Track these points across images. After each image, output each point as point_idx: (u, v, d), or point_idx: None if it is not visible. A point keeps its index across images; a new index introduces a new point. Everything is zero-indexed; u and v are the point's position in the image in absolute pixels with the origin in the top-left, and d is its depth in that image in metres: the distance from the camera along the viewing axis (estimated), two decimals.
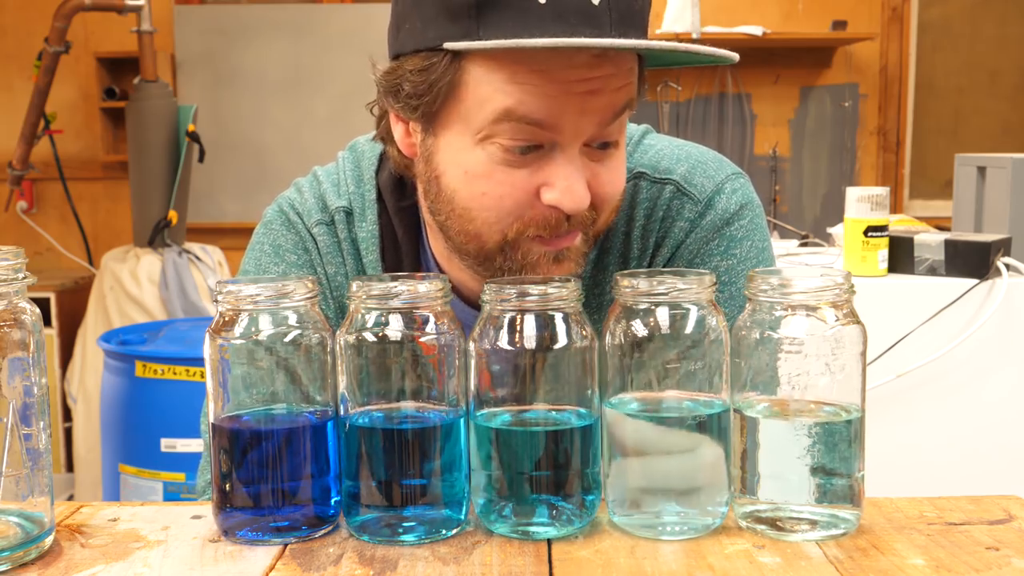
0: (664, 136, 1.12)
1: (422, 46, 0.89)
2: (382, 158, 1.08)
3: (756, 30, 4.04)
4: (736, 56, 0.88)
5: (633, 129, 1.10)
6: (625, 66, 0.89)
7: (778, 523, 0.75)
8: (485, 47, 0.84)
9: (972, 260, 2.02)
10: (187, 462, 2.50)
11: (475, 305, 0.97)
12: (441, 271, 1.06)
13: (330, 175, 1.10)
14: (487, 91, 0.87)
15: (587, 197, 0.90)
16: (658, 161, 1.06)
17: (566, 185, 0.88)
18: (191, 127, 3.45)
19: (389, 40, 0.95)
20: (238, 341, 0.75)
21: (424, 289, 0.75)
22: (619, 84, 0.88)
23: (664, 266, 1.04)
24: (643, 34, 0.89)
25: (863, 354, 0.76)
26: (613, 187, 0.94)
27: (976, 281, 1.98)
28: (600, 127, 0.89)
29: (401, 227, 1.06)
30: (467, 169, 0.90)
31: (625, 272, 0.78)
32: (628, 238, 1.04)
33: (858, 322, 0.75)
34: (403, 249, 1.06)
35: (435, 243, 1.05)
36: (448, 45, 0.86)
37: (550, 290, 0.74)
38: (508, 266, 0.94)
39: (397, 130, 0.98)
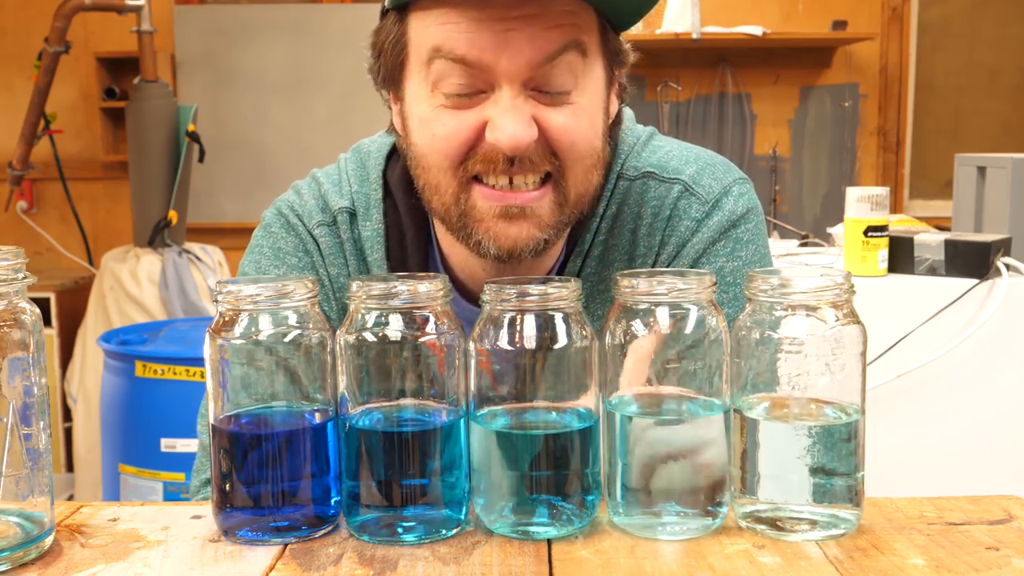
0: (672, 139, 1.13)
1: (381, 13, 0.97)
2: (391, 157, 1.09)
3: (756, 30, 4.04)
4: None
5: (640, 130, 1.11)
6: (558, 7, 0.89)
7: (778, 523, 0.75)
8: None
9: (972, 260, 2.01)
10: (187, 462, 2.50)
11: (478, 302, 0.97)
12: (447, 265, 1.07)
13: (330, 176, 1.11)
14: (422, 35, 0.92)
15: (527, 135, 0.90)
16: (667, 162, 1.07)
17: (501, 124, 0.90)
18: (191, 127, 3.45)
19: None
20: (238, 341, 0.75)
21: (424, 289, 0.75)
22: (549, 23, 0.89)
23: (669, 265, 1.04)
24: None
25: (863, 354, 0.76)
26: (571, 133, 0.93)
27: (976, 281, 1.98)
28: (531, 66, 0.89)
29: (412, 226, 1.06)
30: (421, 118, 0.94)
31: (625, 272, 0.78)
32: (635, 236, 1.05)
33: (858, 322, 0.75)
34: (410, 248, 1.06)
35: (443, 239, 1.06)
36: (386, 4, 0.94)
37: (550, 290, 0.74)
38: (462, 222, 0.95)
39: (393, 114, 1.02)
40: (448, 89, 0.91)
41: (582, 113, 0.94)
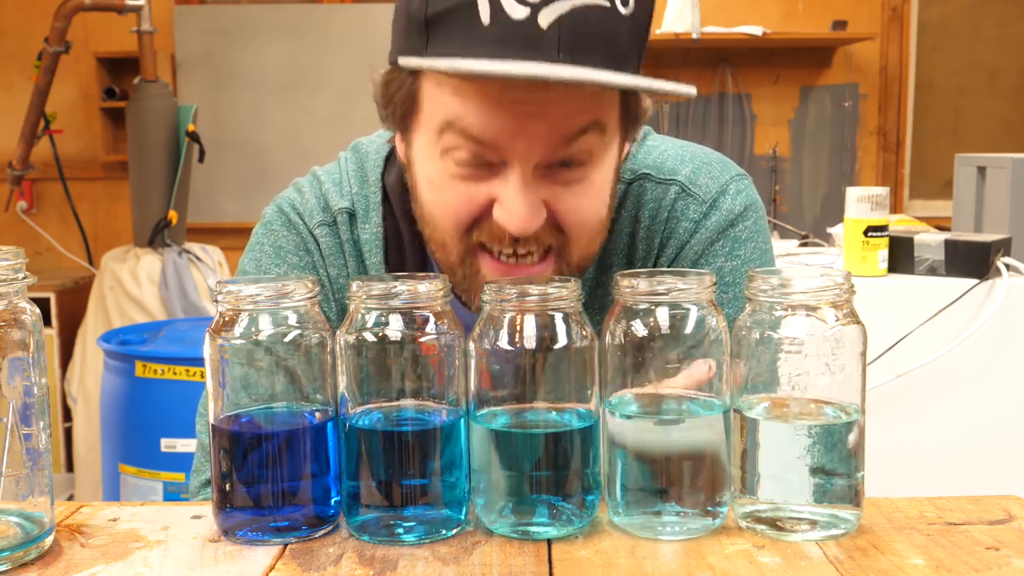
0: (666, 137, 1.11)
1: (391, 60, 0.92)
2: (388, 160, 1.08)
3: (756, 30, 4.04)
4: (694, 90, 0.85)
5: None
6: (583, 89, 0.86)
7: (778, 523, 0.75)
8: (422, 65, 0.86)
9: (972, 260, 2.01)
10: (187, 462, 2.49)
11: (473, 308, 0.97)
12: (442, 271, 1.06)
13: (331, 175, 1.10)
14: (435, 104, 0.89)
15: (534, 220, 0.88)
16: (662, 162, 1.06)
17: (509, 207, 0.88)
18: (191, 127, 3.45)
19: None
20: (238, 341, 0.75)
21: (424, 289, 0.75)
22: (573, 108, 0.86)
23: (668, 267, 1.04)
24: (605, 59, 0.83)
25: (863, 354, 0.76)
26: (580, 213, 0.91)
27: (976, 281, 1.98)
28: (548, 150, 0.87)
29: (408, 230, 1.06)
30: (429, 178, 0.92)
31: (625, 272, 0.78)
32: (633, 239, 1.04)
33: (858, 322, 0.75)
34: (408, 252, 1.06)
35: None
36: (401, 60, 0.89)
37: (550, 290, 0.74)
38: (465, 286, 0.95)
39: (397, 142, 1.00)
40: (458, 159, 0.89)
41: (594, 190, 0.92)
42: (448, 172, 0.90)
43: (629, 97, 0.92)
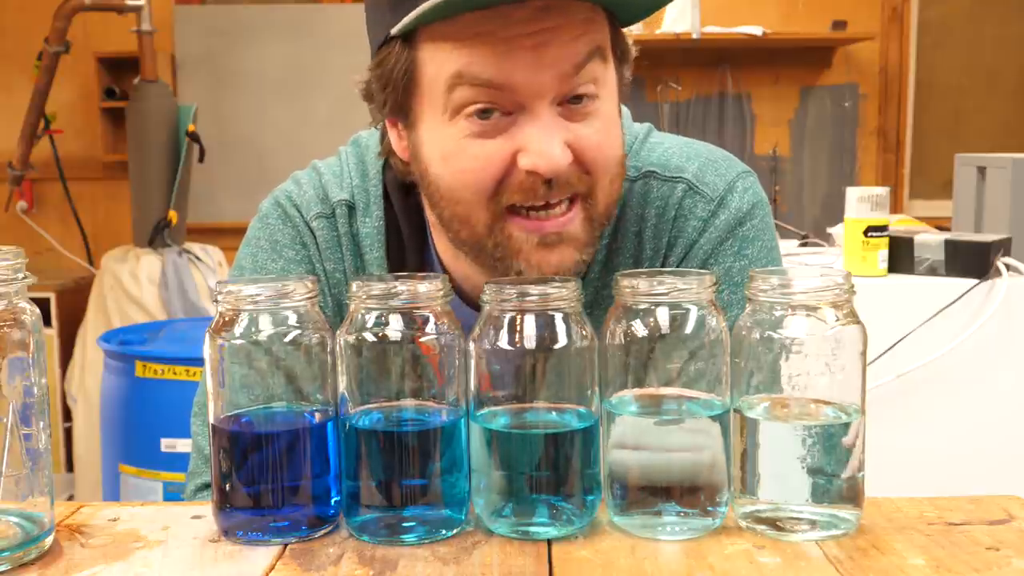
0: (669, 134, 1.11)
1: (378, 44, 0.92)
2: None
3: (756, 30, 4.04)
4: None
5: (637, 128, 1.09)
6: (578, 15, 0.87)
7: (778, 523, 0.75)
8: (415, 14, 0.85)
9: (972, 260, 2.01)
10: (187, 462, 2.50)
11: (476, 306, 0.97)
12: (445, 270, 1.06)
13: (331, 168, 1.09)
14: (438, 64, 0.88)
15: (564, 157, 0.88)
16: (668, 159, 1.05)
17: (538, 147, 0.87)
18: (191, 127, 3.45)
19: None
20: (238, 341, 0.75)
21: (424, 289, 0.75)
22: (574, 33, 0.87)
23: (678, 266, 1.03)
24: None
25: (863, 354, 0.76)
26: (602, 149, 0.91)
27: (976, 281, 1.98)
28: (561, 81, 0.87)
29: (408, 226, 1.05)
30: (443, 151, 0.91)
31: (625, 272, 0.78)
32: (640, 238, 1.03)
33: (858, 322, 0.75)
34: (408, 248, 1.05)
35: (439, 242, 1.05)
36: (393, 31, 0.89)
37: (550, 290, 0.74)
38: (499, 253, 0.93)
39: (392, 137, 0.99)
40: (468, 110, 0.88)
41: (610, 122, 0.92)
42: (463, 134, 0.89)
43: (614, 25, 0.93)
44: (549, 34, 0.85)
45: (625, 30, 0.98)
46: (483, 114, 0.88)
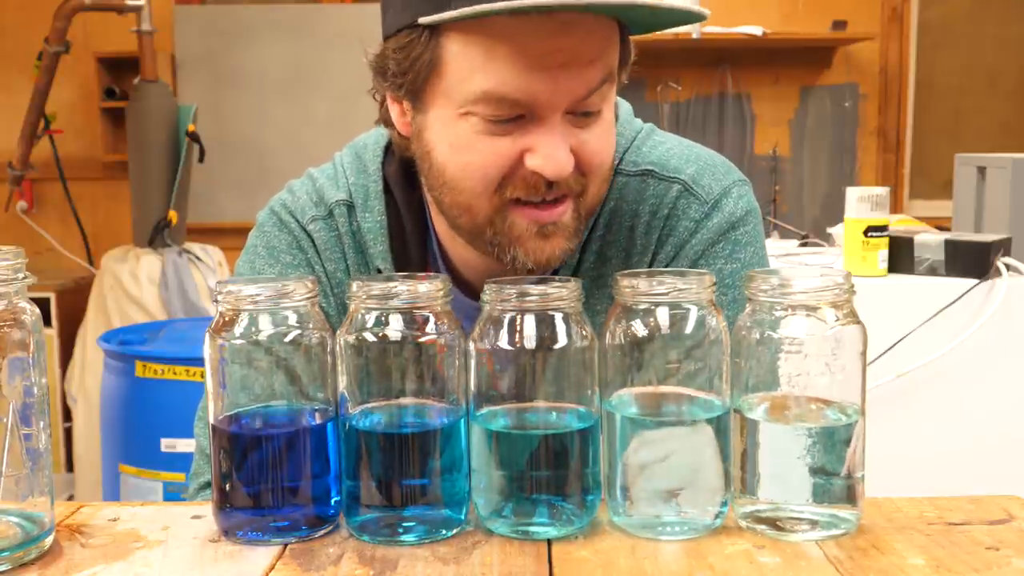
0: (671, 135, 1.12)
1: (403, 24, 0.92)
2: (387, 151, 1.08)
3: (756, 30, 4.04)
4: (707, 12, 0.91)
5: (639, 125, 1.10)
6: (598, 33, 0.89)
7: (778, 523, 0.75)
8: (452, 16, 0.86)
9: (972, 260, 2.01)
10: (187, 462, 2.49)
11: (473, 294, 0.98)
12: (445, 257, 1.07)
13: (325, 172, 1.11)
14: (466, 70, 0.89)
15: (569, 163, 0.91)
16: (667, 160, 1.06)
17: (547, 152, 0.90)
18: (191, 127, 3.45)
19: (381, 24, 0.97)
20: (238, 341, 0.75)
21: (424, 289, 0.75)
22: (592, 55, 0.89)
23: (667, 265, 1.04)
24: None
25: (863, 354, 0.76)
26: (600, 155, 0.95)
27: (976, 281, 1.98)
28: (577, 99, 0.90)
29: (411, 219, 1.06)
30: (452, 142, 0.93)
31: (625, 272, 0.78)
32: (632, 233, 1.05)
33: (858, 322, 0.75)
34: (410, 241, 1.06)
35: (438, 224, 1.06)
36: (421, 20, 0.89)
37: (550, 290, 0.74)
38: (497, 240, 0.95)
39: (394, 111, 1.00)
40: (487, 115, 0.90)
41: (608, 127, 0.96)
42: (475, 129, 0.91)
43: (625, 39, 0.95)
44: (569, 54, 0.88)
45: None
46: (497, 117, 0.90)
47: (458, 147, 0.92)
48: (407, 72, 0.93)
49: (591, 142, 0.93)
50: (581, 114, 0.92)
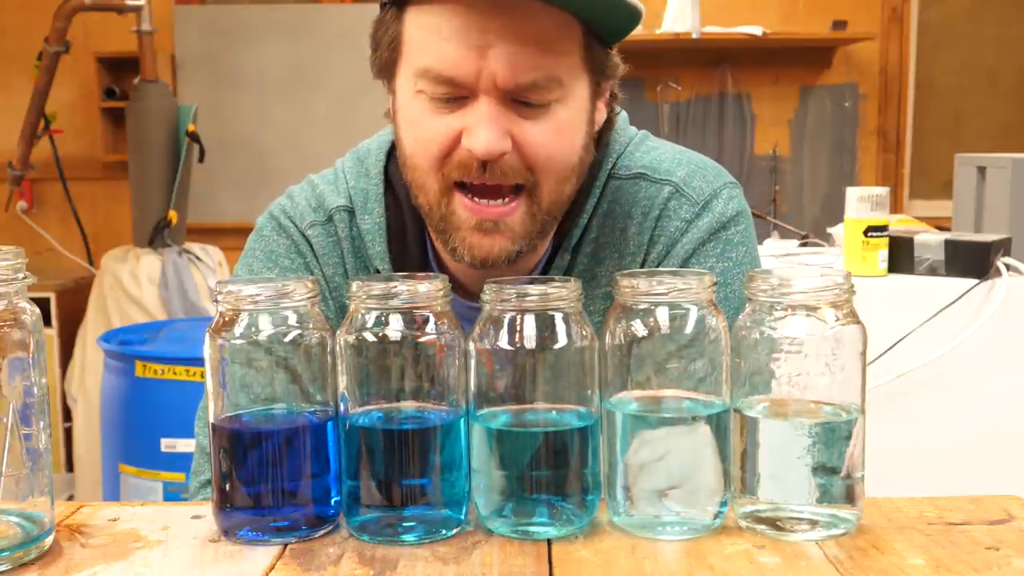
0: (665, 141, 1.14)
1: (381, 4, 0.98)
2: (391, 154, 1.09)
3: (756, 30, 4.04)
4: (641, 8, 0.93)
5: (633, 131, 1.13)
6: (542, 22, 0.91)
7: (778, 523, 0.75)
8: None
9: (972, 260, 2.01)
10: (187, 462, 2.48)
11: (472, 297, 0.98)
12: (442, 264, 1.08)
13: (326, 178, 1.12)
14: (416, 47, 0.94)
15: (499, 144, 0.92)
16: (658, 163, 1.09)
17: (476, 130, 0.92)
18: (191, 127, 3.45)
19: None
20: (238, 341, 0.75)
21: (424, 289, 0.75)
22: (529, 39, 0.91)
23: (658, 264, 1.05)
24: None
25: (863, 354, 0.76)
26: (547, 150, 0.95)
27: (976, 281, 1.98)
28: (506, 80, 0.91)
29: (412, 219, 1.07)
30: (408, 118, 0.97)
31: (625, 272, 0.78)
32: (625, 234, 1.06)
33: (858, 322, 0.75)
34: (410, 242, 1.07)
35: (429, 225, 1.06)
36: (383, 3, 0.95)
37: (550, 290, 0.74)
38: (442, 227, 0.98)
39: (390, 104, 1.03)
40: (431, 93, 0.94)
41: (562, 127, 0.96)
42: (422, 108, 0.95)
43: (591, 42, 0.96)
44: (499, 34, 0.90)
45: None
46: (440, 95, 0.93)
47: (410, 123, 0.97)
48: (376, 49, 0.98)
49: (536, 135, 0.94)
50: (524, 104, 0.93)
